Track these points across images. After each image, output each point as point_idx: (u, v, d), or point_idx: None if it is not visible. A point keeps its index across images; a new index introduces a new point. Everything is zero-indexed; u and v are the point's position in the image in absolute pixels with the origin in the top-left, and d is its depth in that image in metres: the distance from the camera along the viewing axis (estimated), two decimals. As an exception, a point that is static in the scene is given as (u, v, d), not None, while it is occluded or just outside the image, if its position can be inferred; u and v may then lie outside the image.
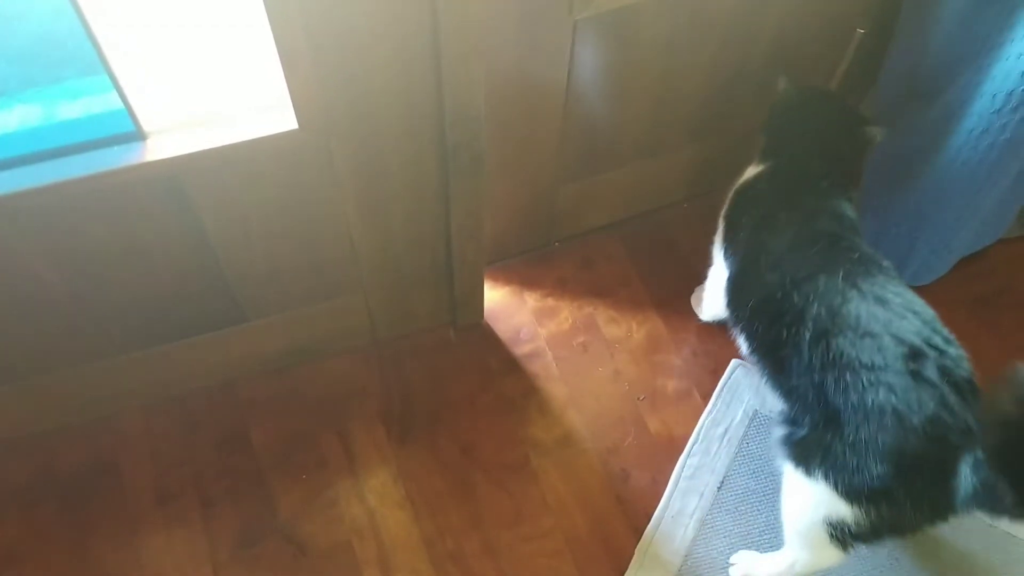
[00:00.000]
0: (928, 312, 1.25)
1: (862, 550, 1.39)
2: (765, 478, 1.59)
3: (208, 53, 1.13)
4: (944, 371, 1.18)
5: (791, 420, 1.33)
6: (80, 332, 1.44)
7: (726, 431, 1.64)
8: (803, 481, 1.28)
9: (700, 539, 1.54)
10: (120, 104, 1.11)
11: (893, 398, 1.17)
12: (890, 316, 1.23)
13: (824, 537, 1.30)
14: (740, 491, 1.58)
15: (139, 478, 1.59)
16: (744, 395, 1.68)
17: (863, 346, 1.21)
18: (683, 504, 1.57)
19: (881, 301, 1.25)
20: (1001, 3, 1.38)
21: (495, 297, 1.81)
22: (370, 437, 1.64)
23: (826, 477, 1.24)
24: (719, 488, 1.58)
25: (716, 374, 1.72)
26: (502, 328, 1.78)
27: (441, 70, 1.18)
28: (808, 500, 1.29)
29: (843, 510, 1.25)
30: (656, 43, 1.48)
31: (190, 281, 1.42)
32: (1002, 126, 1.41)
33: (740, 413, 1.66)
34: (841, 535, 1.28)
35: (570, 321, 1.79)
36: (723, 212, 1.54)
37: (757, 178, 1.50)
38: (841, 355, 1.22)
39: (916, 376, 1.18)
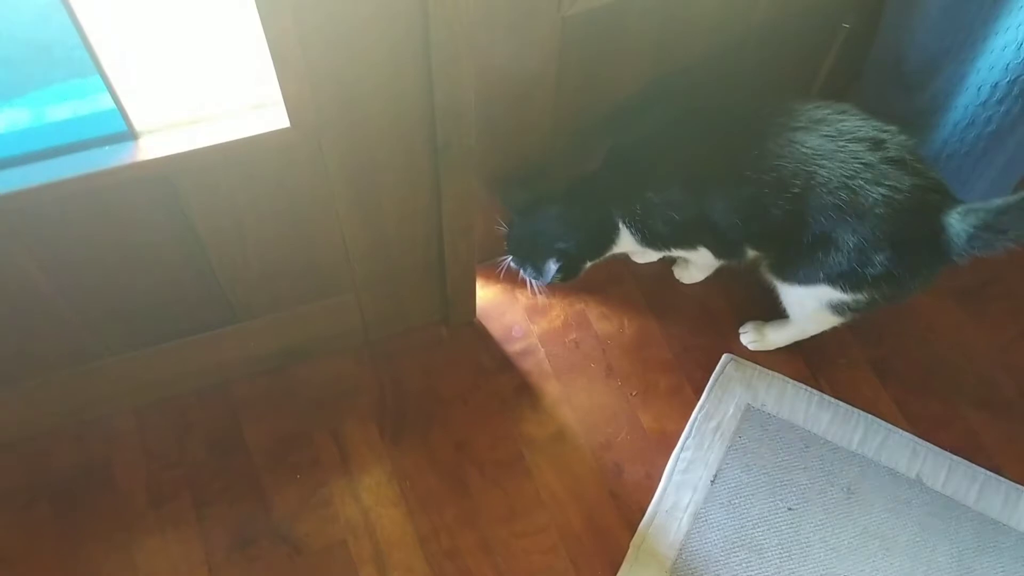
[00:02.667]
0: (849, 107, 1.40)
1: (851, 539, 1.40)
2: (758, 471, 1.60)
3: (199, 52, 1.12)
4: (903, 146, 1.35)
5: (776, 256, 1.52)
6: (71, 333, 1.43)
7: (718, 425, 1.65)
8: (804, 291, 1.51)
9: (694, 533, 1.54)
10: (111, 104, 1.10)
11: (880, 188, 1.32)
12: (834, 129, 1.36)
13: (827, 312, 1.53)
14: (733, 484, 1.59)
15: (132, 480, 1.58)
16: (736, 389, 1.69)
17: (837, 165, 1.34)
18: (677, 498, 1.58)
19: (817, 122, 1.38)
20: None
21: (487, 295, 1.81)
22: (364, 436, 1.64)
23: (830, 283, 1.44)
24: (712, 482, 1.59)
25: (707, 369, 1.72)
26: (494, 326, 1.78)
27: (432, 67, 1.18)
28: (811, 299, 1.52)
29: (845, 298, 1.46)
30: (644, 40, 1.48)
31: (182, 281, 1.42)
32: (987, 118, 1.42)
33: (732, 407, 1.67)
34: (842, 310, 1.50)
35: (562, 318, 1.80)
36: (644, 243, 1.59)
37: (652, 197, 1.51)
38: (827, 183, 1.34)
39: (887, 161, 1.33)
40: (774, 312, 1.73)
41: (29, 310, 1.35)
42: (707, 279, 1.82)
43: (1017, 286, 1.86)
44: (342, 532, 1.54)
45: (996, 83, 1.39)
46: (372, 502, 1.58)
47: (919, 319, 1.81)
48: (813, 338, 1.72)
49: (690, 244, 1.56)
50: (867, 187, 1.32)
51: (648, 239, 1.54)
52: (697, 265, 1.78)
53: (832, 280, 1.44)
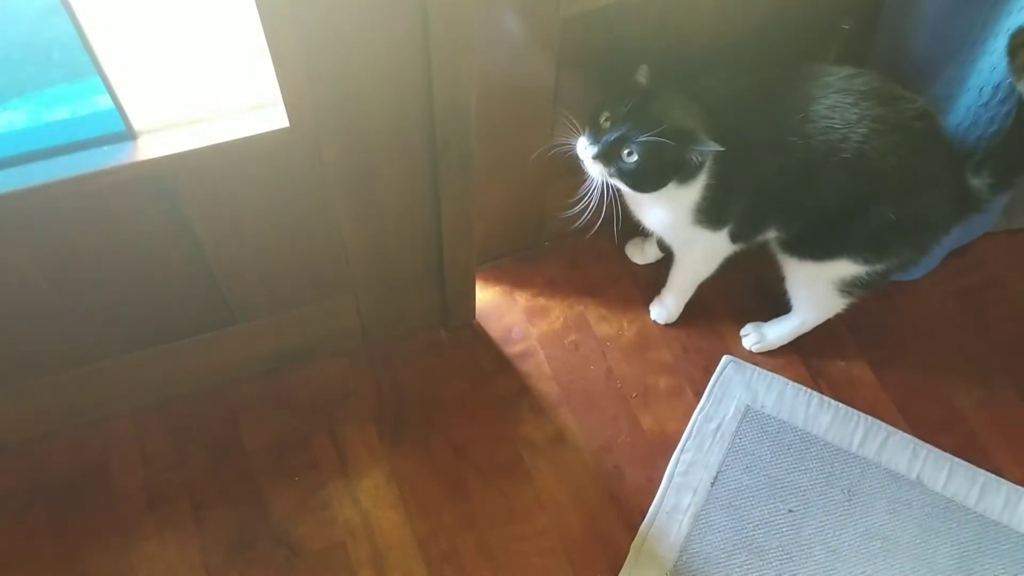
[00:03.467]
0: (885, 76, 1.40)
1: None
2: (758, 473, 1.60)
3: (198, 52, 1.12)
4: (936, 116, 1.39)
5: (800, 230, 1.49)
6: (68, 336, 1.43)
7: (719, 427, 1.65)
8: (819, 269, 1.51)
9: (695, 535, 1.54)
10: (110, 104, 1.10)
11: (922, 157, 1.35)
12: (881, 95, 1.35)
13: (834, 294, 1.55)
14: (734, 486, 1.58)
15: (130, 483, 1.57)
16: (736, 391, 1.69)
17: (888, 129, 1.33)
18: (677, 500, 1.57)
19: (863, 85, 1.36)
20: (983, -2, 1.40)
21: (486, 297, 1.81)
22: (362, 438, 1.64)
23: (854, 254, 1.45)
24: (713, 484, 1.59)
25: (707, 370, 1.72)
26: (493, 328, 1.78)
27: (431, 68, 1.18)
28: (823, 278, 1.52)
29: (861, 271, 1.47)
30: (643, 41, 1.48)
31: (180, 283, 1.41)
32: (990, 119, 1.42)
33: (732, 409, 1.66)
34: (851, 289, 1.53)
35: (561, 320, 1.79)
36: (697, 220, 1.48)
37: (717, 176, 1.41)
38: (878, 148, 1.33)
39: (929, 132, 1.36)
40: (773, 313, 1.73)
41: (27, 311, 1.34)
42: (705, 283, 1.80)
43: (1015, 288, 1.86)
44: (341, 534, 1.54)
45: (998, 84, 1.39)
46: (371, 504, 1.57)
47: (918, 321, 1.81)
48: (813, 339, 1.72)
49: (722, 222, 1.48)
50: (913, 156, 1.34)
51: (706, 199, 1.42)
52: (682, 287, 1.73)
53: (857, 251, 1.44)
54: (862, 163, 1.34)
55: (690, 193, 1.43)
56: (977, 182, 1.37)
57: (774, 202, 1.46)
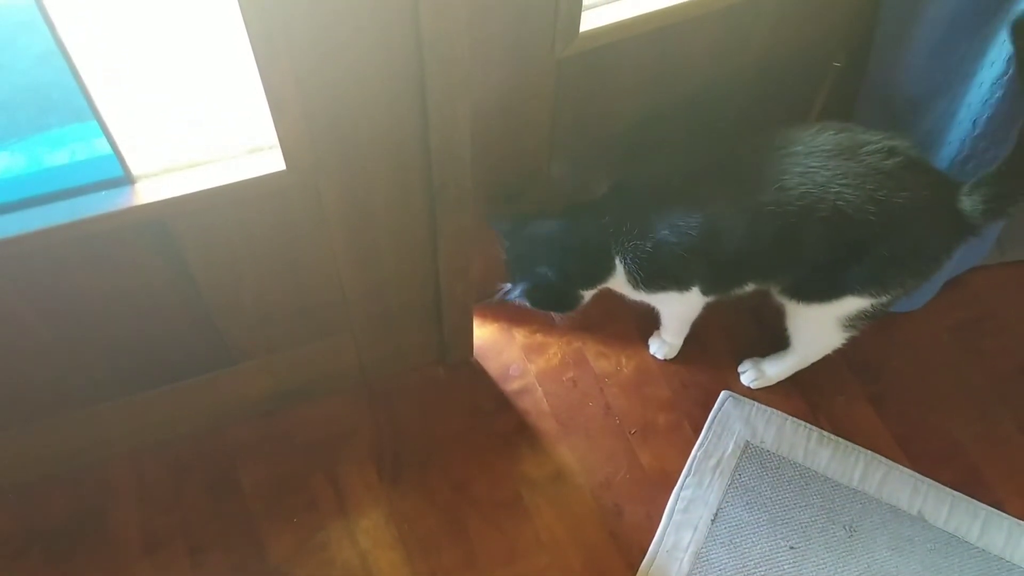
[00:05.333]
0: (851, 124, 1.41)
1: None
2: (759, 509, 1.59)
3: (196, 96, 1.13)
4: (910, 148, 1.37)
5: (795, 280, 1.50)
6: (66, 379, 1.42)
7: (718, 463, 1.64)
8: (824, 309, 1.50)
9: (695, 573, 1.53)
10: (108, 149, 1.11)
11: (904, 193, 1.34)
12: (846, 147, 1.36)
13: (838, 330, 1.54)
14: (734, 523, 1.58)
15: (126, 526, 1.56)
16: (735, 426, 1.68)
17: (859, 181, 1.34)
18: (677, 538, 1.56)
19: (827, 143, 1.36)
20: (973, 32, 1.41)
21: (484, 334, 1.81)
22: (361, 478, 1.63)
23: (858, 292, 1.44)
24: (713, 521, 1.58)
25: (706, 406, 1.72)
26: (492, 365, 1.78)
27: (428, 110, 1.19)
28: (829, 316, 1.51)
29: (866, 304, 1.47)
30: (640, 81, 1.50)
31: (177, 325, 1.41)
32: (985, 148, 1.43)
33: (731, 445, 1.66)
34: (855, 322, 1.52)
35: (559, 356, 1.79)
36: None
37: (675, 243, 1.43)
38: (853, 201, 1.33)
39: (903, 166, 1.35)
40: (771, 347, 1.73)
41: (24, 355, 1.34)
42: (704, 316, 1.80)
43: (1011, 321, 1.86)
44: (340, 576, 1.53)
45: (990, 116, 1.40)
46: (370, 545, 1.56)
47: (916, 355, 1.81)
48: (811, 374, 1.72)
49: (686, 284, 1.50)
50: (892, 196, 1.34)
51: (643, 279, 1.48)
52: (674, 329, 1.74)
53: (861, 288, 1.44)
54: (842, 219, 1.34)
55: (617, 277, 1.50)
56: (970, 204, 1.37)
57: (746, 266, 1.47)
